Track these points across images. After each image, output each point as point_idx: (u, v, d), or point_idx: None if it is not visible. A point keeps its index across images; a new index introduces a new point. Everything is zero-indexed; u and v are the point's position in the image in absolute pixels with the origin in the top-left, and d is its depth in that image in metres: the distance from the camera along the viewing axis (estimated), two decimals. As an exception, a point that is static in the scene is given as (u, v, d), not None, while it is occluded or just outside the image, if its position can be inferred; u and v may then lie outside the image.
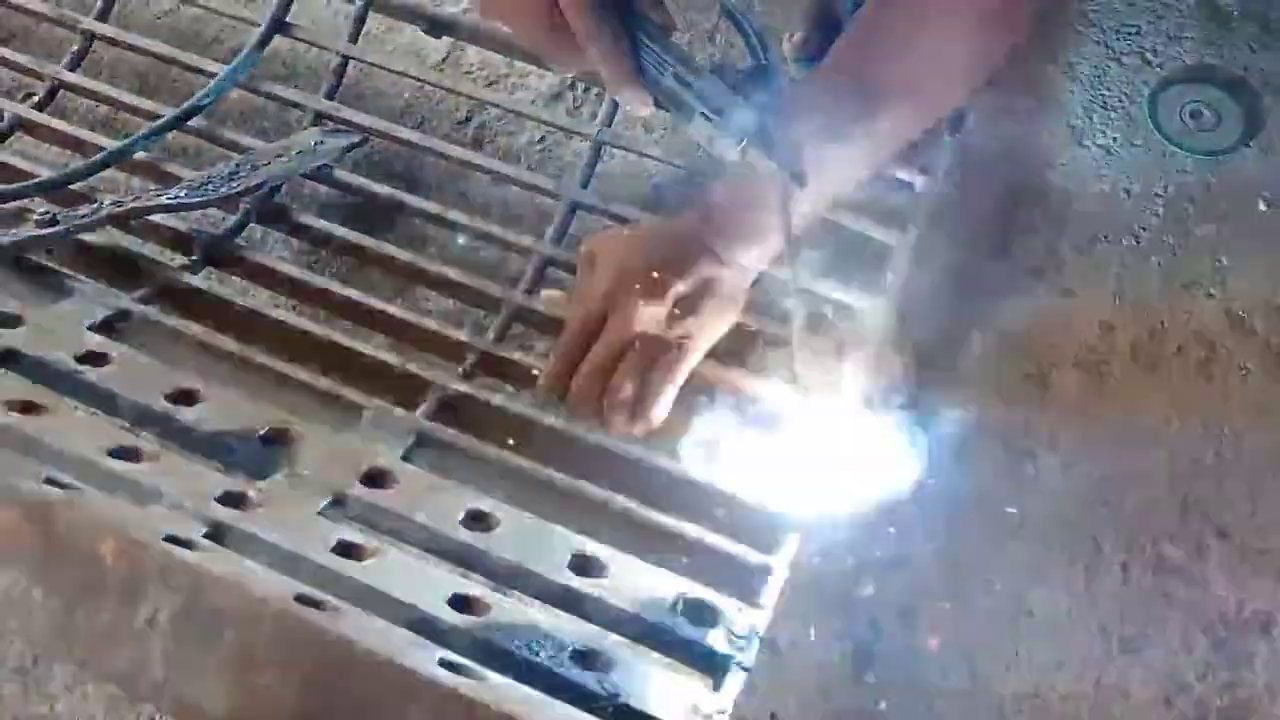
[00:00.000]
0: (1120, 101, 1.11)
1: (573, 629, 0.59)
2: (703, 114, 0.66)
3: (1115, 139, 1.09)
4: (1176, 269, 1.01)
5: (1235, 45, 1.14)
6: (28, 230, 0.78)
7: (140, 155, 0.93)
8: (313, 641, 0.43)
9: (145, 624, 0.44)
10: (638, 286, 0.80)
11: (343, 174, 0.95)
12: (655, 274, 0.80)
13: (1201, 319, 0.98)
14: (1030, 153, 1.08)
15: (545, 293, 0.91)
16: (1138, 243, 1.03)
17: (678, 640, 0.63)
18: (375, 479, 0.67)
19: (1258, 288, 1.00)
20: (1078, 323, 0.98)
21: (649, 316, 0.79)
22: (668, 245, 0.82)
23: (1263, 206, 1.05)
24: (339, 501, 0.65)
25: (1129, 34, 1.16)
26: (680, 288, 0.80)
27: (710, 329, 0.83)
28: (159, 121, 0.92)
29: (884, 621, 0.84)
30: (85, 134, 0.96)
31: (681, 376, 0.81)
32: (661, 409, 0.80)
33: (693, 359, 0.82)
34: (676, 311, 0.80)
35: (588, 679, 0.56)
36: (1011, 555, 0.87)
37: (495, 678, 0.47)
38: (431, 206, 0.94)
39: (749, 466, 0.77)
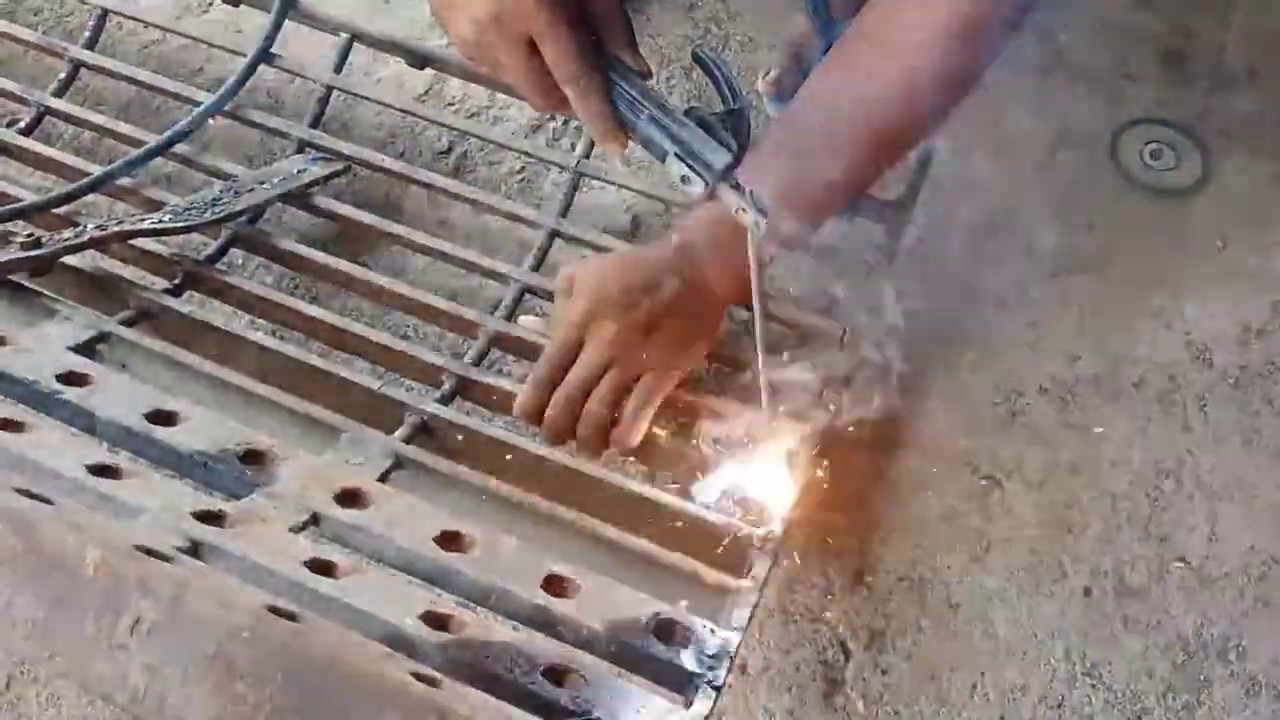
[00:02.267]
0: (1083, 141, 1.15)
1: (545, 646, 0.59)
2: (675, 154, 0.68)
3: (1078, 176, 1.12)
4: (1138, 302, 1.04)
5: (1192, 89, 1.18)
6: (12, 252, 0.79)
7: (124, 180, 0.94)
8: (290, 652, 0.44)
9: (126, 634, 0.45)
10: (613, 312, 0.81)
11: (325, 201, 0.97)
12: (630, 300, 0.82)
13: (1163, 351, 1.01)
14: (995, 189, 1.11)
15: (523, 318, 0.93)
16: (1100, 276, 1.05)
17: (649, 659, 0.64)
18: (351, 499, 0.68)
19: (1216, 321, 1.03)
20: (1043, 353, 1.00)
21: (623, 341, 0.81)
22: (643, 272, 0.84)
23: (1219, 243, 1.08)
24: (315, 521, 0.65)
25: (1092, 76, 1.20)
26: (654, 313, 0.82)
27: (684, 354, 0.85)
28: (145, 147, 0.94)
29: (853, 645, 0.85)
30: (70, 159, 0.98)
31: (655, 401, 0.83)
32: (635, 434, 0.82)
33: (667, 384, 0.84)
34: (651, 336, 0.82)
35: (560, 695, 0.57)
36: (977, 578, 0.89)
37: (467, 691, 0.48)
38: (412, 234, 0.95)
39: (721, 486, 0.79)
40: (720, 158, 0.68)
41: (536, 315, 0.94)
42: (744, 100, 0.70)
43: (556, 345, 0.83)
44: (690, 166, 0.69)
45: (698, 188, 0.69)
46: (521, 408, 0.84)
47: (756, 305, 0.76)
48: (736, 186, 0.69)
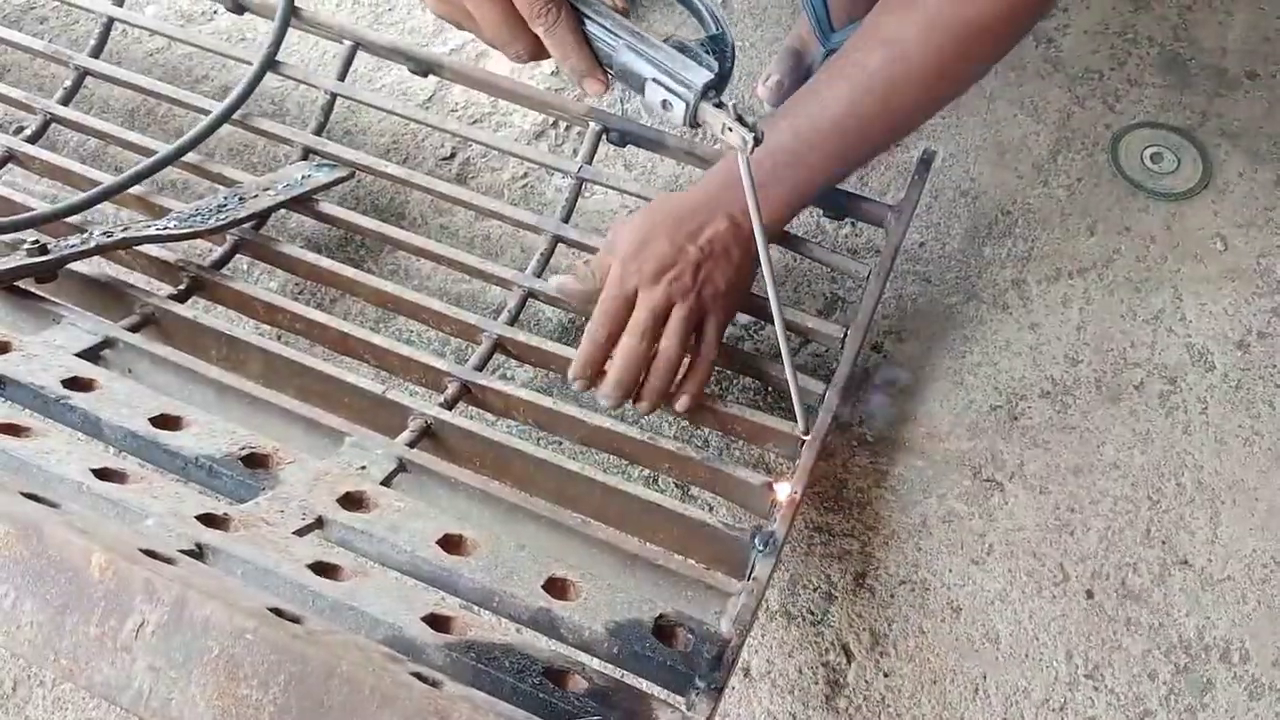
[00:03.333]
0: (1083, 144, 1.15)
1: (546, 648, 0.60)
2: (653, 80, 0.66)
3: (1079, 179, 1.12)
4: (1138, 305, 1.04)
5: (1193, 92, 1.19)
6: (18, 259, 0.80)
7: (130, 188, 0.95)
8: (295, 653, 0.44)
9: (131, 637, 0.45)
10: (661, 261, 0.82)
11: (329, 207, 0.97)
12: (677, 246, 0.82)
13: (1163, 353, 1.01)
14: (995, 192, 1.11)
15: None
16: (1101, 278, 1.06)
17: (651, 661, 0.64)
18: (355, 503, 0.68)
19: (1217, 324, 1.03)
20: (1043, 355, 1.01)
21: (676, 289, 0.82)
22: (687, 217, 0.84)
23: (1220, 246, 1.08)
24: (319, 524, 0.66)
25: (1091, 79, 1.20)
26: (702, 257, 0.82)
27: (733, 292, 0.85)
28: (157, 155, 0.94)
29: (855, 647, 0.86)
30: (76, 166, 0.98)
31: (716, 345, 0.85)
32: (702, 380, 0.83)
33: (722, 328, 0.84)
34: (701, 280, 0.82)
35: (561, 697, 0.57)
36: (979, 581, 0.89)
37: (470, 692, 0.48)
38: (416, 240, 0.96)
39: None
40: (700, 76, 0.65)
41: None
42: (726, 27, 0.68)
43: (609, 301, 0.83)
44: (669, 90, 0.65)
45: (679, 110, 0.66)
46: (578, 369, 0.84)
47: (757, 228, 0.71)
48: (720, 105, 0.65)
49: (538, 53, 0.69)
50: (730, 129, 0.65)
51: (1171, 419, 0.97)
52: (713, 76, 0.65)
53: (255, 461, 0.69)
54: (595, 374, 0.84)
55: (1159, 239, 1.08)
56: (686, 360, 0.85)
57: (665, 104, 0.66)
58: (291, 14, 1.03)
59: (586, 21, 0.67)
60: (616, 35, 0.66)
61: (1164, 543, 0.91)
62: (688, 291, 0.83)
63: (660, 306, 0.83)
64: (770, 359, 0.91)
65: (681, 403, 0.85)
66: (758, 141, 0.65)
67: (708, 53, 0.66)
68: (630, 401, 0.85)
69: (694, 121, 0.66)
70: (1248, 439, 0.96)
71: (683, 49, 0.66)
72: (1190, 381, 0.99)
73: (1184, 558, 0.90)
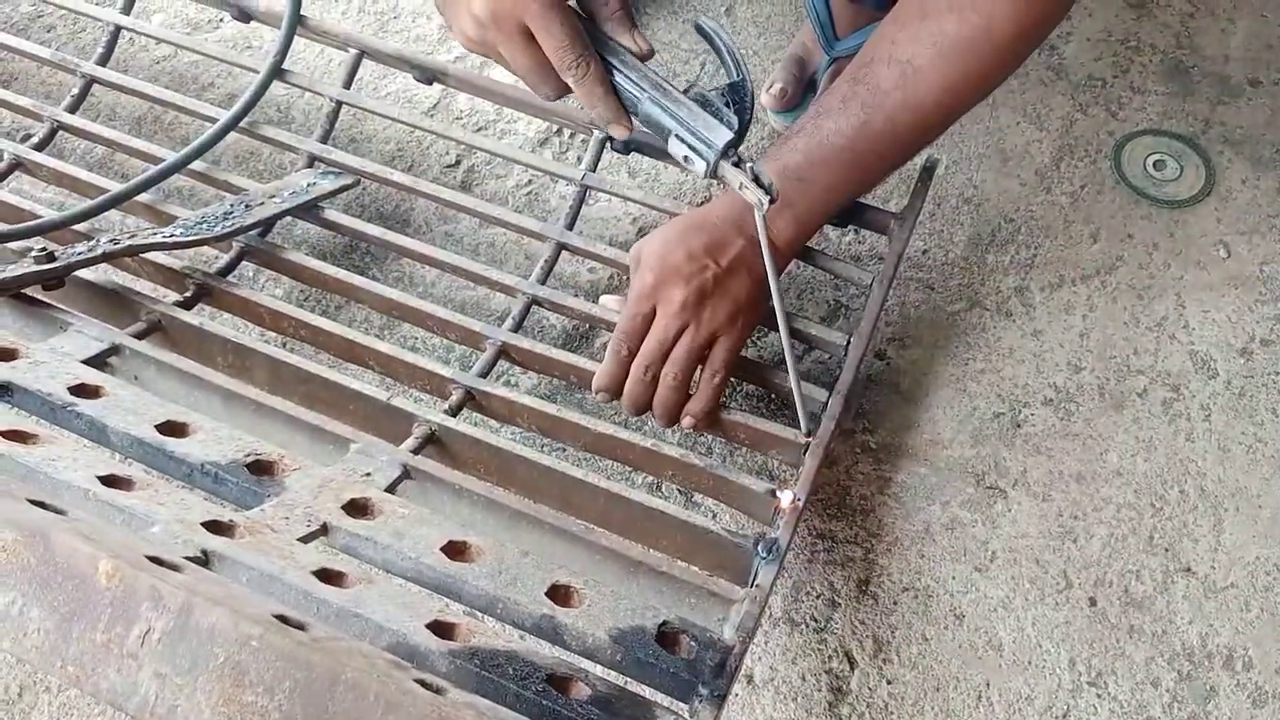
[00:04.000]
0: (1086, 151, 1.15)
1: (550, 655, 0.60)
2: (677, 136, 0.68)
3: (1082, 187, 1.13)
4: (1141, 312, 1.04)
5: (1195, 100, 1.19)
6: (26, 266, 0.80)
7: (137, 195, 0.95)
8: (300, 660, 0.44)
9: (137, 643, 0.45)
10: (680, 278, 0.83)
11: (334, 215, 0.98)
12: (696, 264, 0.83)
13: (1166, 360, 1.01)
14: (998, 199, 1.11)
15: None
16: (1104, 286, 1.06)
17: (654, 668, 0.64)
18: (360, 510, 0.69)
19: (1220, 331, 1.03)
20: (1046, 363, 1.01)
21: (693, 306, 0.83)
22: (707, 234, 0.85)
23: (1223, 253, 1.08)
24: (324, 531, 0.66)
25: (1094, 86, 1.20)
26: (721, 274, 0.83)
27: (753, 311, 0.86)
28: (164, 163, 0.95)
29: (858, 654, 0.86)
30: (83, 174, 0.99)
31: (728, 365, 0.85)
32: (709, 400, 0.84)
33: (737, 346, 0.85)
34: (719, 297, 0.83)
35: (564, 704, 0.57)
36: (981, 588, 0.89)
37: (474, 699, 0.48)
38: (420, 246, 0.96)
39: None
40: (721, 135, 0.68)
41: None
42: (746, 73, 0.70)
43: (629, 318, 0.84)
44: (692, 147, 0.68)
45: (700, 166, 0.69)
46: (601, 383, 0.86)
47: (772, 281, 0.76)
48: (739, 163, 0.69)
49: (565, 94, 0.72)
50: (747, 187, 0.69)
51: (1175, 426, 0.97)
52: (733, 136, 0.68)
53: (260, 468, 0.69)
54: (618, 389, 0.85)
55: (1162, 246, 1.08)
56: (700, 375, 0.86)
57: (687, 159, 0.70)
58: (298, 22, 1.04)
59: (614, 73, 0.69)
60: (642, 88, 0.70)
61: (1167, 550, 0.91)
62: (704, 312, 0.83)
63: (673, 330, 0.83)
64: (773, 366, 0.91)
65: (687, 422, 0.86)
66: (772, 201, 0.70)
67: (727, 104, 0.69)
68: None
69: (714, 175, 0.70)
70: (1251, 446, 0.96)
71: (704, 102, 0.69)
72: (1193, 389, 0.99)
73: (1187, 565, 0.90)
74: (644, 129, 0.73)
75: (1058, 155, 1.15)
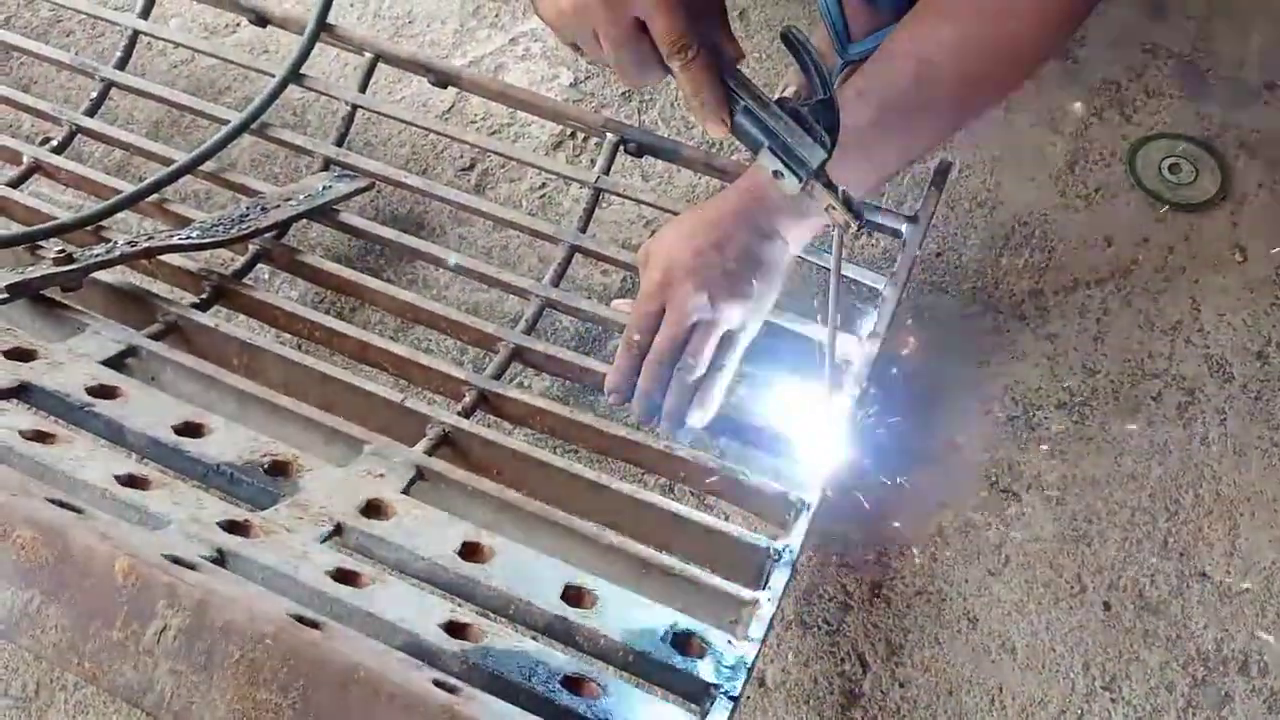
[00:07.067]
0: (1101, 155, 1.15)
1: (564, 656, 0.60)
2: (769, 149, 0.68)
3: (1096, 190, 1.12)
4: (1156, 315, 1.04)
5: (1210, 103, 1.18)
6: (44, 268, 0.81)
7: (154, 197, 0.96)
8: (314, 658, 0.45)
9: (153, 641, 0.46)
10: (688, 276, 0.83)
11: (349, 218, 0.98)
12: (703, 261, 0.83)
13: (1181, 364, 1.01)
14: (1013, 202, 1.11)
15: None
16: (1118, 289, 1.05)
17: (667, 670, 0.64)
18: (374, 510, 0.69)
19: (1235, 334, 1.02)
20: (1060, 366, 1.01)
21: (701, 303, 0.82)
22: (713, 230, 0.84)
23: (1238, 257, 1.08)
24: (339, 531, 0.67)
25: (1109, 90, 1.20)
26: (728, 270, 0.83)
27: (757, 306, 0.86)
28: (176, 164, 0.96)
29: (871, 657, 0.85)
30: (101, 177, 1.00)
31: (733, 362, 0.85)
32: (714, 398, 0.84)
33: (743, 342, 0.85)
34: (726, 293, 0.83)
35: (577, 705, 0.57)
36: (995, 591, 0.89)
37: (487, 699, 0.48)
38: (434, 249, 0.97)
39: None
40: (815, 155, 0.67)
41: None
42: (833, 88, 0.70)
43: (639, 317, 0.84)
44: (785, 163, 0.68)
45: (792, 184, 0.69)
46: (613, 383, 0.86)
47: (832, 296, 0.76)
48: (830, 185, 0.69)
49: (656, 80, 0.69)
50: (835, 208, 0.69)
51: (1189, 430, 0.97)
52: (827, 156, 0.68)
53: (276, 469, 0.70)
54: (630, 388, 0.85)
55: (1177, 249, 1.08)
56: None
57: (777, 173, 0.69)
58: (322, 29, 1.04)
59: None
60: (738, 96, 0.68)
61: (1182, 554, 0.90)
62: (711, 308, 0.83)
63: (683, 327, 0.83)
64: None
65: (696, 417, 0.85)
66: (860, 226, 0.69)
67: (818, 121, 0.68)
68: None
69: (804, 192, 0.69)
70: (1266, 450, 0.96)
71: (797, 116, 0.68)
72: (1209, 392, 0.99)
73: (1202, 569, 0.90)
74: (734, 135, 0.71)
75: (1072, 158, 1.15)
